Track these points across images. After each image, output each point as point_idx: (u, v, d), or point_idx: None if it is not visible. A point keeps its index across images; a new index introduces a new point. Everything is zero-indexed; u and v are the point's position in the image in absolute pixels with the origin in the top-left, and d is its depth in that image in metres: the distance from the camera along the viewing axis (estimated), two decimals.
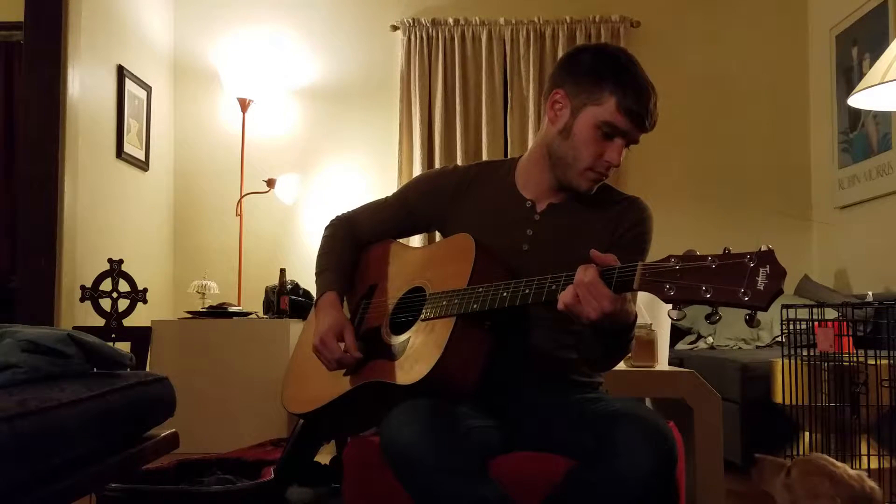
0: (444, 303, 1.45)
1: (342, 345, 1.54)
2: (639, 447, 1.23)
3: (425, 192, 1.70)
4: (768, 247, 1.08)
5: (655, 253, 1.37)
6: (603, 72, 1.48)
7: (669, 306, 1.16)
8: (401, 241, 1.77)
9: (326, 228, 1.78)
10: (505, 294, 1.36)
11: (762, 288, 1.05)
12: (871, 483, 1.38)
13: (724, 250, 1.11)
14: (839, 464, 1.41)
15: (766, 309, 1.06)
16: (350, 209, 1.82)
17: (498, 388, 1.51)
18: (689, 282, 1.11)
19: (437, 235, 1.72)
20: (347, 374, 1.56)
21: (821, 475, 1.38)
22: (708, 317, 1.12)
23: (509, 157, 2.50)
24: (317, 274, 1.71)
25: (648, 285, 1.16)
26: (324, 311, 1.60)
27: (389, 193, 1.81)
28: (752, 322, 1.10)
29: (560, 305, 1.24)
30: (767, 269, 1.06)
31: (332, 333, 1.53)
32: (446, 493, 1.25)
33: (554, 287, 1.29)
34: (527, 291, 1.33)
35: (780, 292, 1.05)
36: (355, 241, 1.76)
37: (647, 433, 1.25)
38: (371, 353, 1.55)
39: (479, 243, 1.50)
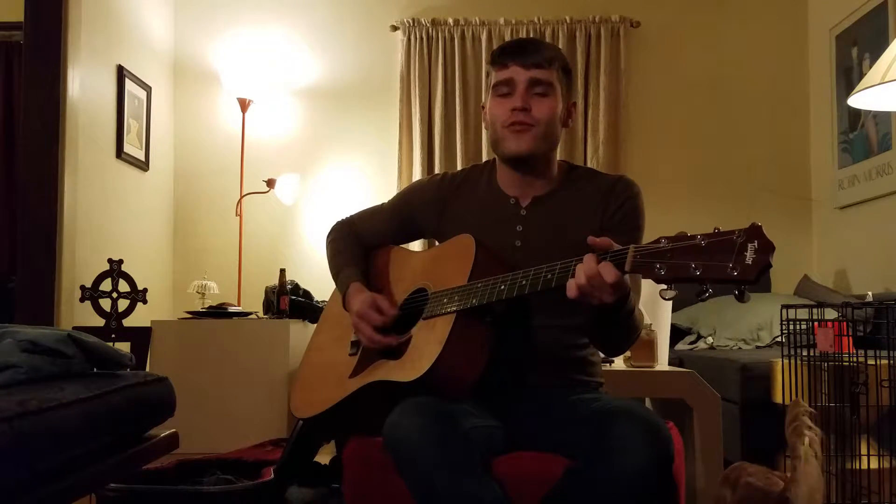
0: (445, 300, 1.47)
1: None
2: (634, 444, 1.24)
3: (416, 202, 1.73)
4: (756, 223, 1.09)
5: None
6: (488, 64, 1.66)
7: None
8: (403, 246, 1.80)
9: (329, 234, 1.83)
10: (503, 287, 1.38)
11: (750, 262, 1.07)
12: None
13: (714, 229, 1.12)
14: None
15: (755, 282, 1.07)
16: (349, 213, 1.86)
17: (499, 388, 1.52)
18: (679, 261, 1.12)
19: (436, 242, 1.74)
20: (353, 376, 1.57)
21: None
22: (698, 294, 1.13)
23: None
24: (334, 275, 1.75)
25: (639, 267, 1.17)
26: (353, 297, 1.63)
27: (390, 193, 1.85)
28: (741, 297, 1.11)
29: (572, 295, 1.26)
30: (755, 243, 1.07)
31: (368, 305, 1.57)
32: (445, 489, 1.26)
33: (550, 276, 1.31)
34: (524, 283, 1.35)
35: (769, 266, 1.07)
36: (360, 242, 1.79)
37: (642, 430, 1.25)
38: (376, 356, 1.56)
39: (479, 242, 1.51)
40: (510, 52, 1.58)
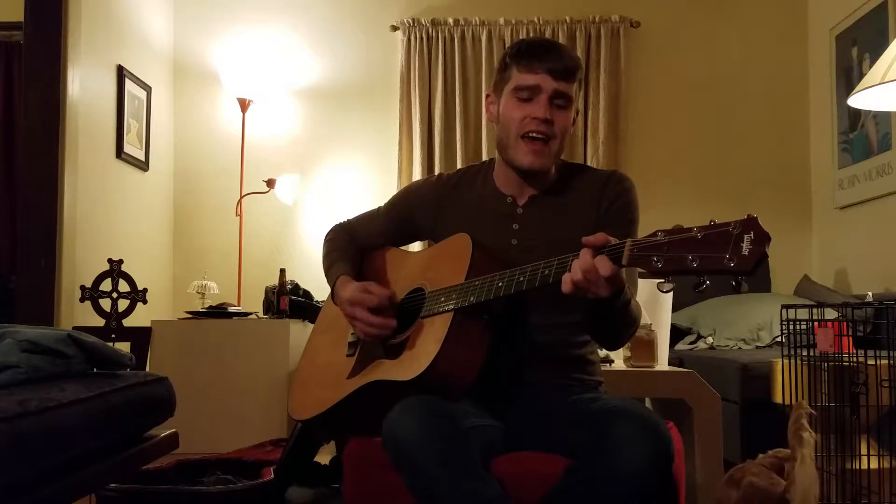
0: (443, 299, 1.47)
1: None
2: (633, 444, 1.24)
3: (412, 204, 1.74)
4: (752, 214, 1.10)
5: None
6: (507, 56, 1.60)
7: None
8: (400, 247, 1.80)
9: (326, 236, 1.84)
10: (500, 284, 1.38)
11: (747, 253, 1.07)
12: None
13: (710, 222, 1.12)
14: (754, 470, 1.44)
15: (751, 273, 1.08)
16: (349, 214, 1.87)
17: (498, 386, 1.52)
18: (676, 253, 1.13)
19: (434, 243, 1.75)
20: (351, 377, 1.57)
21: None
22: (695, 286, 1.13)
23: None
24: (326, 272, 1.75)
25: (637, 260, 1.18)
26: (342, 288, 1.63)
27: (390, 193, 1.86)
28: (738, 288, 1.12)
29: (566, 290, 1.25)
30: (751, 234, 1.07)
31: (359, 290, 1.56)
32: (446, 489, 1.25)
33: (547, 272, 1.31)
34: (521, 279, 1.35)
35: (765, 256, 1.07)
36: (356, 243, 1.79)
37: (641, 430, 1.25)
38: (374, 356, 1.56)
39: (475, 241, 1.51)
40: (540, 57, 1.53)
